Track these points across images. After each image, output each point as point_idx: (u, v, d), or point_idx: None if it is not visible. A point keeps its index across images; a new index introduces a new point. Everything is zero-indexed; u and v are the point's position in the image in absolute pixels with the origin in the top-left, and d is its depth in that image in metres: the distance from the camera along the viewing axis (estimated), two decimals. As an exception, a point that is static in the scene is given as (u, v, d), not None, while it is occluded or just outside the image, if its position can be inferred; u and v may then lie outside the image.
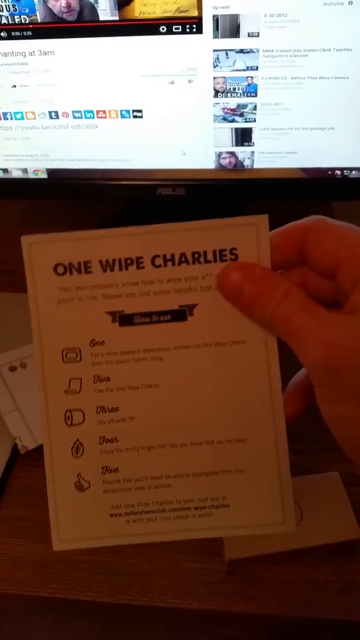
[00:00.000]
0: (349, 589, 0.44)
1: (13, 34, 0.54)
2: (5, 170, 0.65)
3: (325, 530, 0.46)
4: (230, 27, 0.53)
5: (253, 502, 0.30)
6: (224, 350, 0.29)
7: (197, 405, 0.29)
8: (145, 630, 0.51)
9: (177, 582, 0.46)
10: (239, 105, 0.58)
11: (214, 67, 0.56)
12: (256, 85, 0.57)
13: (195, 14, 0.52)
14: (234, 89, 0.57)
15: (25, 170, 0.64)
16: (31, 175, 0.65)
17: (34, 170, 0.64)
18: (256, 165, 0.62)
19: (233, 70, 0.56)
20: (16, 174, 0.65)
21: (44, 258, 0.28)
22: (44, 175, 0.65)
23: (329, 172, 0.62)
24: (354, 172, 0.62)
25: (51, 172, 0.64)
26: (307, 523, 0.46)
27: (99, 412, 0.29)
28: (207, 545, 0.47)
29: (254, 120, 0.59)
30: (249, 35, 0.53)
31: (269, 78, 0.56)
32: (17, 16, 0.53)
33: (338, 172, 0.62)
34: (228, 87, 0.57)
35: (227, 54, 0.55)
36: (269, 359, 0.29)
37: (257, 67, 0.55)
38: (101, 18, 0.53)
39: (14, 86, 0.57)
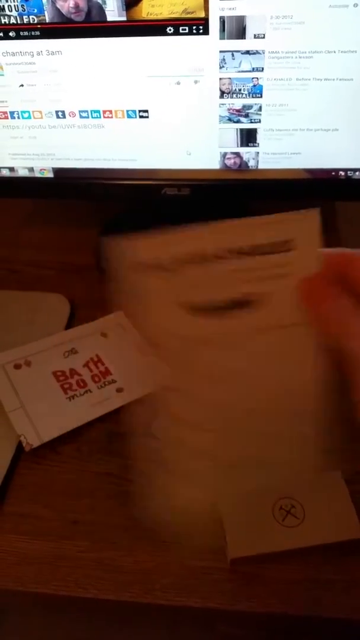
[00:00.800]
0: (351, 587, 0.44)
1: (21, 33, 0.55)
2: (11, 169, 0.65)
3: (328, 529, 0.46)
4: (236, 28, 0.53)
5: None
6: (284, 332, 0.31)
7: (256, 383, 0.32)
8: (147, 628, 0.51)
9: (180, 580, 0.46)
10: (244, 106, 0.59)
11: (220, 68, 0.56)
12: (261, 86, 0.57)
13: (202, 15, 0.53)
14: (240, 90, 0.58)
15: (31, 169, 0.65)
16: (37, 175, 0.65)
17: (40, 170, 0.65)
18: (261, 166, 0.63)
19: (239, 72, 0.56)
20: (22, 172, 0.65)
21: (125, 256, 0.31)
22: (50, 175, 0.65)
23: (333, 173, 0.63)
24: (357, 173, 0.62)
25: (57, 172, 0.65)
26: (310, 522, 0.46)
27: None
28: (210, 544, 0.47)
29: (259, 121, 0.60)
30: (254, 36, 0.54)
31: (275, 79, 0.57)
32: (26, 16, 0.54)
33: (342, 173, 0.62)
34: (234, 88, 0.58)
35: (233, 55, 0.55)
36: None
37: (262, 69, 0.56)
38: (109, 19, 0.53)
39: (22, 85, 0.58)
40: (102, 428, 0.56)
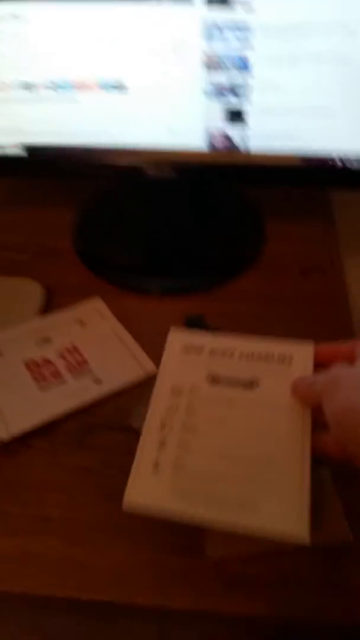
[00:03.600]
0: (335, 591, 0.44)
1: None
2: (-20, 146, 0.63)
3: (314, 530, 0.45)
4: (222, -4, 0.51)
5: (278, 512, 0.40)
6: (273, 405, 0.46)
7: (249, 430, 0.45)
8: (127, 628, 0.50)
9: (157, 581, 0.45)
10: (231, 82, 0.57)
11: (206, 40, 0.54)
12: (249, 62, 0.55)
13: (186, -19, 0.51)
14: (226, 63, 0.56)
15: (1, 147, 0.63)
16: (8, 152, 0.63)
17: (11, 147, 0.63)
18: (251, 147, 0.61)
19: (225, 45, 0.55)
20: (-8, 149, 0.63)
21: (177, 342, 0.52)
22: (22, 152, 0.63)
23: (327, 160, 0.61)
24: (352, 158, 0.61)
25: (29, 149, 0.63)
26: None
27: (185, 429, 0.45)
28: (188, 543, 0.46)
29: (248, 99, 0.58)
30: (242, 8, 0.52)
31: (264, 54, 0.55)
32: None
33: (336, 158, 0.61)
34: (219, 62, 0.56)
35: (219, 27, 0.53)
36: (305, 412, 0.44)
37: (251, 43, 0.54)
38: (83, -18, 0.51)
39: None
40: (78, 420, 0.54)
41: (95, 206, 0.78)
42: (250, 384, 0.47)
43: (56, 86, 0.58)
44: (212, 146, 0.61)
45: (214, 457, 0.43)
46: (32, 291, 0.65)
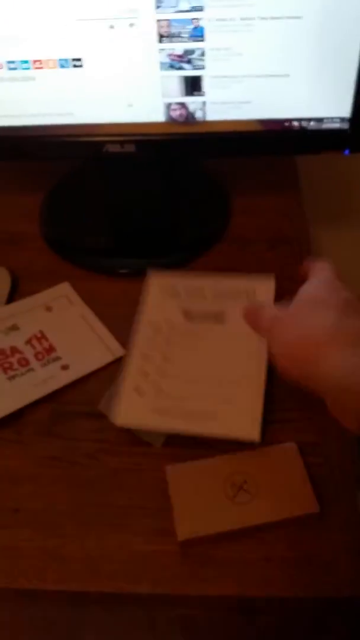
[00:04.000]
0: (304, 565, 0.44)
1: None
2: None
3: (281, 505, 0.45)
4: None
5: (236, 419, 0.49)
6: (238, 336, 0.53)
7: (216, 357, 0.54)
8: (101, 615, 0.50)
9: (128, 567, 0.45)
10: (185, 51, 0.55)
11: (157, 8, 0.53)
12: (202, 28, 0.54)
13: None
14: (179, 32, 0.54)
15: None
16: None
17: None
18: (208, 117, 0.60)
19: (177, 12, 0.53)
20: None
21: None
22: (-21, 135, 0.61)
23: (286, 124, 0.60)
24: (312, 122, 0.59)
25: (-14, 132, 0.61)
26: (263, 498, 0.45)
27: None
28: (158, 526, 0.46)
29: (203, 68, 0.56)
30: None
31: (216, 20, 0.53)
32: None
33: (296, 123, 0.60)
34: (173, 31, 0.54)
35: (170, -7, 0.52)
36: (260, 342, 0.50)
37: (202, 7, 0.52)
38: None
39: None
40: (46, 409, 0.54)
41: (61, 189, 0.77)
42: (219, 318, 0.56)
43: (14, 66, 0.56)
44: (171, 118, 0.60)
45: (187, 381, 0.52)
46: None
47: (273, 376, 0.51)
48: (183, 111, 0.60)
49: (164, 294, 0.59)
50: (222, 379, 0.52)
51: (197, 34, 0.54)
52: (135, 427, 0.50)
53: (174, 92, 0.58)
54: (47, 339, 0.59)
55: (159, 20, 0.53)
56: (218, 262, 0.67)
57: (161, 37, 0.55)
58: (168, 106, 0.59)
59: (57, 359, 0.57)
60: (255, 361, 0.52)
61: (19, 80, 0.58)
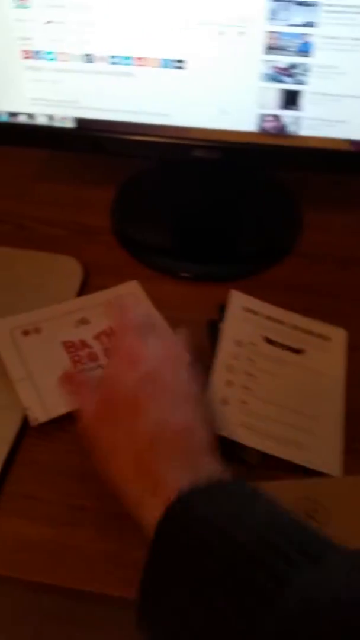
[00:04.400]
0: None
1: None
2: (30, 116, 0.61)
3: (354, 539, 0.44)
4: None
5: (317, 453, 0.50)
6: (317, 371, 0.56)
7: (296, 386, 0.54)
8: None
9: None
10: (290, 65, 0.55)
11: (269, 19, 0.53)
12: (311, 44, 0.54)
13: None
14: (287, 46, 0.54)
15: (51, 117, 0.61)
16: (57, 124, 0.61)
17: (62, 118, 0.61)
18: (301, 132, 0.60)
19: (289, 25, 0.53)
20: (41, 120, 0.61)
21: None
22: (71, 125, 0.61)
23: (381, 147, 0.60)
24: None
25: (79, 122, 0.61)
26: (334, 529, 0.44)
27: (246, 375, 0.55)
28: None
29: (305, 83, 0.56)
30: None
31: (327, 37, 0.53)
32: None
33: (391, 147, 0.59)
34: (280, 44, 0.54)
35: (285, 5, 0.51)
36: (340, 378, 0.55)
37: (315, 23, 0.52)
38: None
39: (49, 22, 0.54)
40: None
41: (133, 185, 0.77)
42: (298, 350, 0.57)
43: (116, 60, 0.56)
44: (263, 129, 0.60)
45: (269, 402, 0.52)
46: (71, 269, 0.64)
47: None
48: (276, 123, 0.60)
49: (245, 314, 0.59)
50: (303, 409, 0.53)
51: (304, 49, 0.54)
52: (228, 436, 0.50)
53: (271, 104, 0.58)
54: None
55: (269, 32, 0.53)
56: (287, 277, 0.66)
57: (268, 49, 0.55)
58: (262, 117, 0.59)
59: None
60: (334, 397, 0.54)
61: (119, 75, 0.58)
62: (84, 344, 0.57)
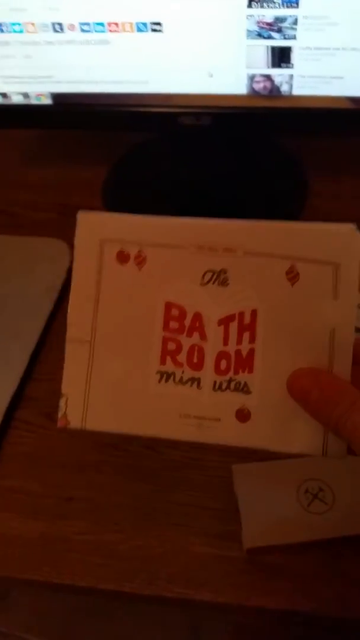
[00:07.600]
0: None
1: None
2: (4, 96, 0.60)
3: (361, 519, 0.42)
4: None
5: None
6: None
7: None
8: (157, 618, 0.49)
9: (188, 571, 0.43)
10: (276, 19, 0.52)
11: (249, -31, 0.49)
12: (298, -8, 0.50)
13: None
14: (272, -3, 0.51)
15: (26, 95, 0.59)
16: (33, 101, 0.59)
17: (37, 95, 0.59)
18: (295, 92, 0.56)
19: (271, -27, 0.49)
20: (16, 99, 0.60)
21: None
22: (48, 101, 0.59)
23: (380, 101, 0.56)
24: None
25: (56, 97, 0.59)
26: (340, 509, 0.42)
27: None
28: (222, 529, 0.44)
29: (294, 37, 0.53)
30: None
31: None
32: None
33: (391, 100, 0.56)
34: (265, -5, 0.51)
35: None
36: None
37: (300, -31, 0.49)
38: None
39: (10, -10, 0.52)
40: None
41: (125, 163, 0.74)
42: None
43: (87, 27, 0.54)
44: (253, 90, 0.57)
45: None
46: (60, 253, 0.62)
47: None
48: (267, 84, 0.57)
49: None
50: None
51: (291, 0, 0.51)
52: None
53: (260, 63, 0.55)
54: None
55: (250, -18, 0.50)
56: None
57: (250, 2, 0.51)
58: (252, 78, 0.56)
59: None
60: None
61: (92, 44, 0.55)
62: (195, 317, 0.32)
